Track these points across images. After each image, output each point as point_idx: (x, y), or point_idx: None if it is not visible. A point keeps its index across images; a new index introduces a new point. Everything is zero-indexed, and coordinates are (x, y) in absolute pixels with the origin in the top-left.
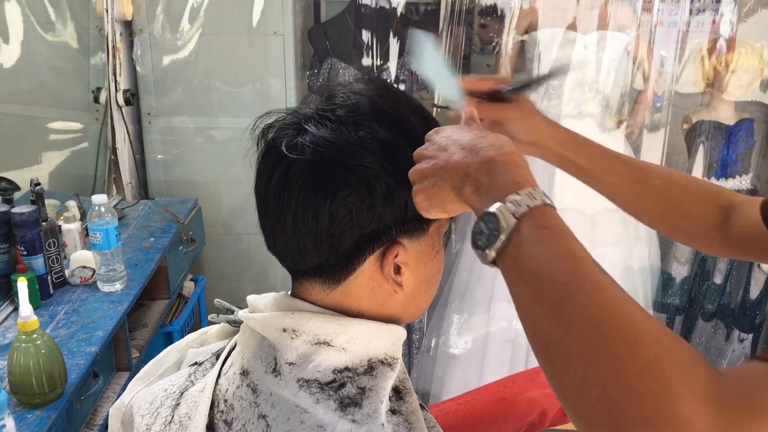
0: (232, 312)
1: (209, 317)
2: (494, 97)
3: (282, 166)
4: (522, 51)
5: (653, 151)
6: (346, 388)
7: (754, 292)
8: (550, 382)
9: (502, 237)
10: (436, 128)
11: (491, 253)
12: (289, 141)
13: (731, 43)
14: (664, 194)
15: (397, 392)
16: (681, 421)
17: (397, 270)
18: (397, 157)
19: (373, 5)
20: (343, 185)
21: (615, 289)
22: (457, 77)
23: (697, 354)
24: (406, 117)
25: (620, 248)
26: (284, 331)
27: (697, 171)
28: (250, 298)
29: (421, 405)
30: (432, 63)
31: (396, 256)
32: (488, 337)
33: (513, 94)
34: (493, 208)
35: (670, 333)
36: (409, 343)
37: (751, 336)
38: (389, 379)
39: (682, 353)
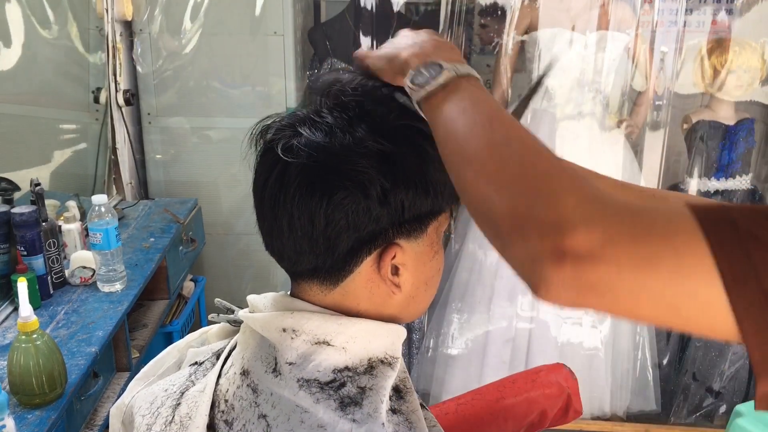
0: (233, 312)
1: (210, 317)
2: None
3: (278, 168)
4: (522, 51)
5: (653, 151)
6: (346, 388)
7: None
8: (462, 190)
9: (441, 80)
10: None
11: (425, 90)
12: (285, 143)
13: (730, 44)
14: None
15: (398, 391)
16: (566, 212)
17: (395, 271)
18: (391, 160)
19: (373, 5)
20: (338, 189)
21: (533, 135)
22: None
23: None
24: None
25: None
26: (284, 330)
27: (697, 171)
28: (250, 298)
29: (421, 404)
30: None
31: (393, 257)
32: (488, 337)
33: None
34: (438, 60)
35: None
36: (409, 343)
37: None
38: (389, 379)
39: (579, 170)
